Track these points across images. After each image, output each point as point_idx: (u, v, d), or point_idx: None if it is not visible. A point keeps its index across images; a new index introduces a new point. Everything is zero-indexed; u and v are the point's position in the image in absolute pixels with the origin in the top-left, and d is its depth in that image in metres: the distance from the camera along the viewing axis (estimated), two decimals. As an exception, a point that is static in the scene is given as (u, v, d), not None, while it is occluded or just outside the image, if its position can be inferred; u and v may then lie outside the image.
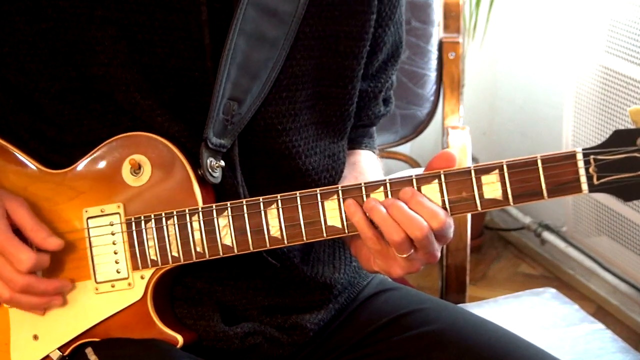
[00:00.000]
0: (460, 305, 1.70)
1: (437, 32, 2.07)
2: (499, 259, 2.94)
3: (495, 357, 1.16)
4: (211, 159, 1.11)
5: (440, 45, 2.07)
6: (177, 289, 1.17)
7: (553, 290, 1.74)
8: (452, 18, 2.07)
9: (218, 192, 1.14)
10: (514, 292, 1.75)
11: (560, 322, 1.64)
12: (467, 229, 1.84)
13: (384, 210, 1.04)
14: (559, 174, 1.01)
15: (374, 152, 1.36)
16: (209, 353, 1.17)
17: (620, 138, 1.00)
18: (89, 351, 1.13)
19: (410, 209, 1.03)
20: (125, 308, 1.13)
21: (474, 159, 2.93)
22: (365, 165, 1.30)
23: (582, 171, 1.01)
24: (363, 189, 1.07)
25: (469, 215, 1.84)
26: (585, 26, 2.34)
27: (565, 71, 2.47)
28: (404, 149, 2.43)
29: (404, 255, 1.05)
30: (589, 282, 2.71)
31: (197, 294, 1.17)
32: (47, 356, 1.14)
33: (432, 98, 2.09)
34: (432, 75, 2.07)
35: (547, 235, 2.81)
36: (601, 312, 2.62)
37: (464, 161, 1.94)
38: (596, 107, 2.35)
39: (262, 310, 1.20)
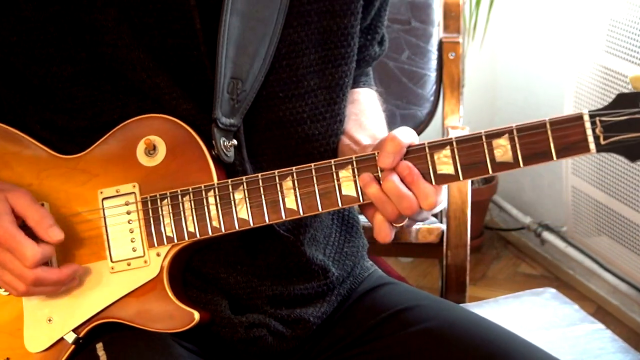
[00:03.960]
0: (460, 305, 1.70)
1: (437, 32, 2.07)
2: (499, 259, 2.94)
3: (493, 355, 1.16)
4: (223, 138, 1.12)
5: (440, 45, 2.07)
6: (186, 275, 1.18)
7: (553, 290, 1.74)
8: (452, 18, 2.07)
9: (226, 170, 1.15)
10: (514, 292, 1.75)
11: (560, 322, 1.64)
12: (467, 229, 1.84)
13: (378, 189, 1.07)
14: (567, 135, 1.04)
15: (372, 90, 1.37)
16: (214, 343, 1.18)
17: (623, 101, 1.03)
18: (99, 346, 1.14)
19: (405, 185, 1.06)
20: (141, 286, 1.13)
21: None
22: (365, 102, 1.31)
23: (589, 131, 1.03)
24: (377, 157, 1.07)
25: (469, 215, 1.84)
26: (585, 26, 2.34)
27: (565, 71, 2.47)
28: (404, 149, 2.43)
29: (399, 225, 1.09)
30: (589, 282, 2.71)
31: (204, 283, 1.18)
32: (62, 339, 1.14)
33: (432, 98, 2.09)
34: (432, 75, 2.08)
35: (547, 235, 2.81)
36: (601, 312, 2.62)
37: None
38: (596, 106, 2.34)
39: (266, 300, 1.21)
